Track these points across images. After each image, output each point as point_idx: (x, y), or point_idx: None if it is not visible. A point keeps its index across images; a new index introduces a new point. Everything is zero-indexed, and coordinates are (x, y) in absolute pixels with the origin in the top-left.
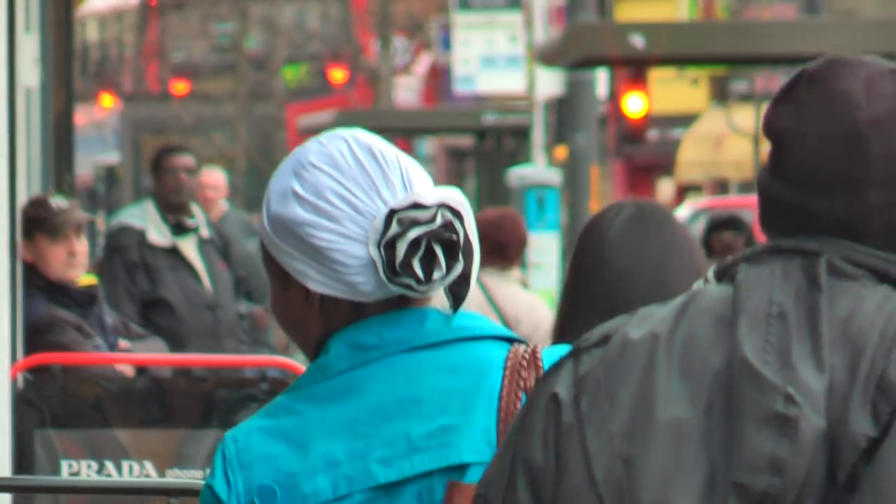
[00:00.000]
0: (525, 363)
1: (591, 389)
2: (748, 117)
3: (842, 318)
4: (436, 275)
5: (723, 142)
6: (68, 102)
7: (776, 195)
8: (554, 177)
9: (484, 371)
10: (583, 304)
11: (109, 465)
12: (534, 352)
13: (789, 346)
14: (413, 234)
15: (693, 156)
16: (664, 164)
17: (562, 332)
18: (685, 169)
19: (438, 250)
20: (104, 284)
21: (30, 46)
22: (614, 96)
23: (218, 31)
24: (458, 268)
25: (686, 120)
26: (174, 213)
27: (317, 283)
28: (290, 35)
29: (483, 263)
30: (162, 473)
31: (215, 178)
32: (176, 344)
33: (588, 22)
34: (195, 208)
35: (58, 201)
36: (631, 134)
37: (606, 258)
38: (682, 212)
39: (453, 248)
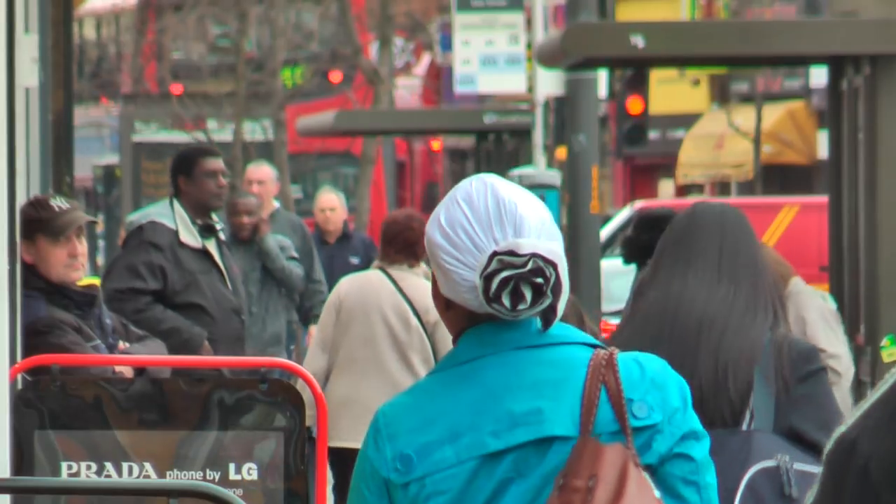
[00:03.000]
0: (604, 363)
1: None
2: (749, 118)
3: None
4: (520, 307)
5: (723, 142)
6: (67, 103)
7: None
8: (554, 177)
9: (572, 367)
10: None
11: (109, 466)
12: (611, 355)
13: None
14: (505, 274)
15: (694, 156)
16: (665, 164)
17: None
18: (686, 169)
19: (526, 289)
20: (118, 267)
21: (29, 47)
22: (614, 96)
23: (217, 33)
24: (546, 302)
25: (687, 120)
26: (204, 216)
27: (444, 289)
28: (288, 36)
29: (393, 261)
30: (162, 475)
31: (262, 172)
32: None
33: (588, 22)
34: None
35: (59, 202)
36: (632, 134)
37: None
38: (623, 214)
39: (539, 288)
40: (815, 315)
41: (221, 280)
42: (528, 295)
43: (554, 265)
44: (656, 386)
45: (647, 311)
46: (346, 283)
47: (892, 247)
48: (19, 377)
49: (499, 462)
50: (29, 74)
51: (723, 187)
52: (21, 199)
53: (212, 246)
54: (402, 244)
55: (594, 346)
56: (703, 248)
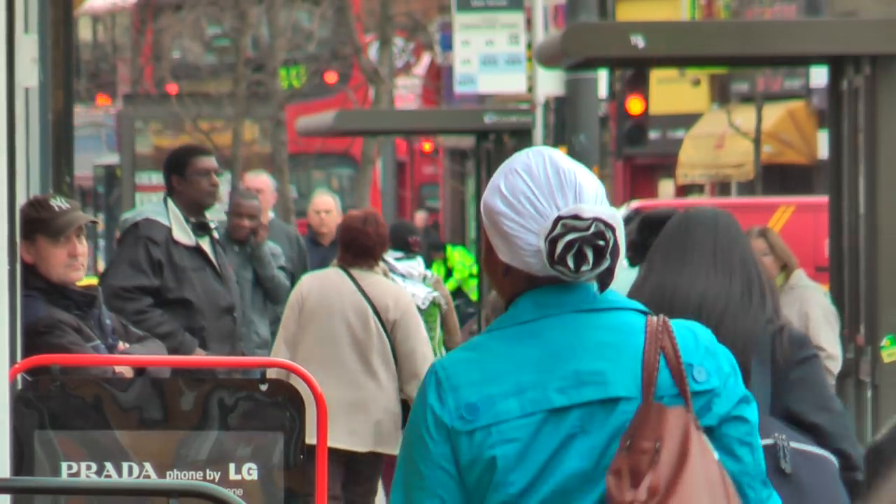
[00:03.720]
0: (660, 329)
1: None
2: (749, 118)
3: None
4: (583, 268)
5: (723, 142)
6: (67, 103)
7: None
8: None
9: (630, 331)
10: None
11: (109, 466)
12: (664, 322)
13: None
14: (570, 237)
15: (694, 156)
16: (665, 164)
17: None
18: (686, 169)
19: (588, 251)
20: (120, 263)
21: (29, 46)
22: (614, 96)
23: (214, 33)
24: (605, 264)
25: (687, 120)
26: (198, 214)
27: (504, 255)
28: (288, 36)
29: (352, 265)
30: (162, 475)
31: (260, 181)
32: (199, 345)
33: (588, 22)
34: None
35: (59, 202)
36: (632, 134)
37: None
38: (620, 212)
39: (601, 251)
40: (819, 313)
41: (215, 277)
42: (590, 257)
43: (613, 229)
44: (710, 353)
45: (645, 303)
46: (308, 281)
47: (892, 247)
48: (19, 377)
49: (564, 417)
50: (29, 74)
51: (723, 187)
52: (21, 199)
53: (206, 244)
54: (359, 249)
55: (644, 313)
56: (697, 243)
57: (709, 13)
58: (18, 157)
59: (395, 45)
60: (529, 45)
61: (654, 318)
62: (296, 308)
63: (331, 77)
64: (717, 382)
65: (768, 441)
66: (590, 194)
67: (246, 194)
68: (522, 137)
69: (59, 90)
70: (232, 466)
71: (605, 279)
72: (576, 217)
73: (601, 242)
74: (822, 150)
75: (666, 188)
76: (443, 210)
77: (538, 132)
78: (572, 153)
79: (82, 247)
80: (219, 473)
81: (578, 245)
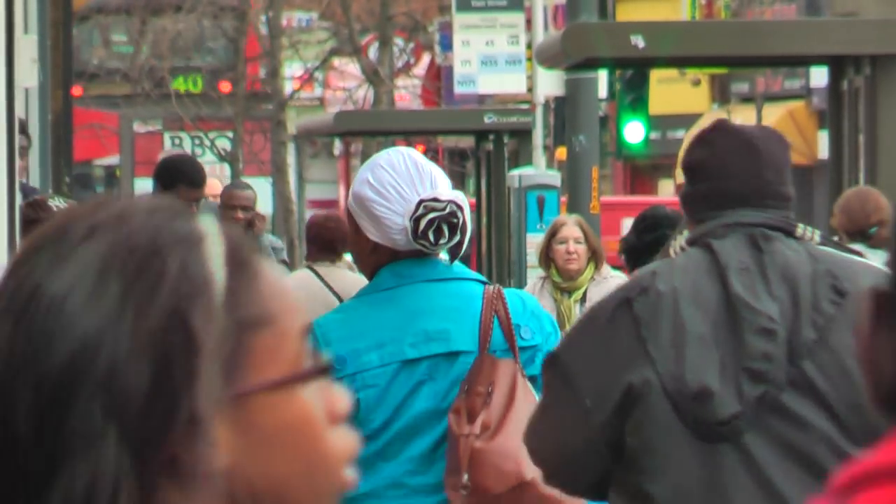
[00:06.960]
0: (495, 296)
1: (646, 322)
2: (749, 118)
3: (779, 266)
4: (441, 241)
5: None
6: (67, 103)
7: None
8: (554, 178)
9: (470, 297)
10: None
11: None
12: (499, 290)
13: (755, 286)
14: (431, 216)
15: None
16: (665, 164)
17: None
18: None
19: (445, 227)
20: None
21: (28, 47)
22: (615, 97)
23: (119, 40)
24: (456, 238)
25: (687, 120)
26: None
27: (373, 235)
28: (179, 45)
29: (317, 259)
30: None
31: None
32: None
33: (588, 22)
34: None
35: (58, 203)
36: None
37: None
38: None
39: (454, 228)
40: None
41: None
42: (446, 232)
43: (462, 210)
44: (535, 316)
45: None
46: None
47: None
48: None
49: (416, 367)
50: (28, 75)
51: None
52: (20, 200)
53: None
54: (322, 242)
55: (483, 283)
56: None
57: (709, 13)
58: (18, 157)
59: (395, 46)
60: (529, 46)
61: (491, 286)
62: None
63: (225, 86)
64: (540, 340)
65: None
66: (443, 182)
67: (239, 184)
68: (522, 137)
69: (59, 90)
70: None
71: (455, 252)
72: (435, 199)
73: (455, 220)
74: (822, 150)
75: (666, 188)
76: None
77: (538, 132)
78: (572, 153)
79: None
80: None
81: (437, 222)
